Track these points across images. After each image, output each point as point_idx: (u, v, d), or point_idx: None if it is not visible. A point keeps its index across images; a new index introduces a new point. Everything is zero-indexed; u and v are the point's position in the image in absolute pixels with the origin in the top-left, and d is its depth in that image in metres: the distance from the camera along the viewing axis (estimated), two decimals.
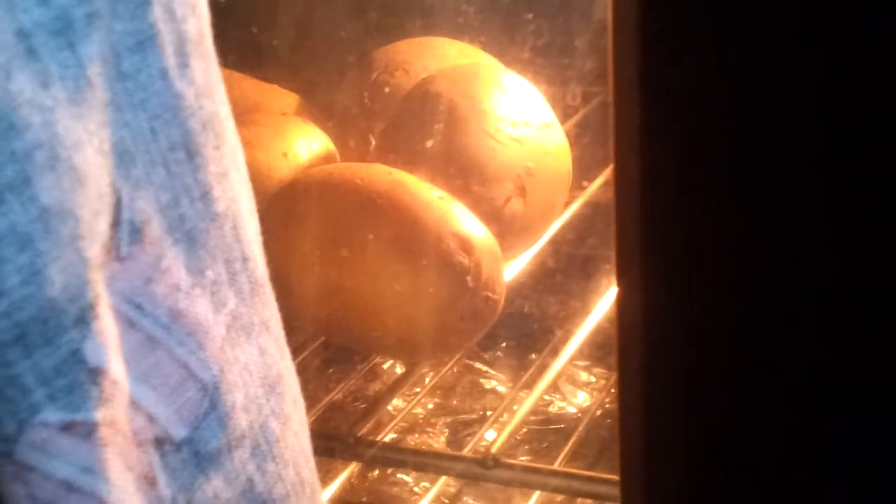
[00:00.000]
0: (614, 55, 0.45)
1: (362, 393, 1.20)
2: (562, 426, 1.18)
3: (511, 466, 0.86)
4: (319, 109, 1.09)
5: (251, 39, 1.09)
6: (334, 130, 1.06)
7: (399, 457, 0.97)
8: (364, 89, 1.06)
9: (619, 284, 0.47)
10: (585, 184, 1.15)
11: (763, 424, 0.47)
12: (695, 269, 0.46)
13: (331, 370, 1.17)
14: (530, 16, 1.13)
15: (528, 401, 0.94)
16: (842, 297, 0.45)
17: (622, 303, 0.47)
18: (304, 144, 1.02)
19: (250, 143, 0.97)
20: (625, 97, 0.45)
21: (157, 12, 0.50)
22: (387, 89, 1.05)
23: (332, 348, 1.08)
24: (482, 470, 0.86)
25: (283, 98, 1.08)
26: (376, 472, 1.12)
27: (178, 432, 0.53)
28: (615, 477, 0.83)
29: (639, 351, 0.47)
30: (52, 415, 0.48)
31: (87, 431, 0.49)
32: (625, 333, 0.47)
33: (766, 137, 0.44)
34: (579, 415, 1.18)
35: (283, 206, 0.94)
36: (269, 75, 1.09)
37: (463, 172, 0.97)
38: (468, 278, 0.89)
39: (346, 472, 1.02)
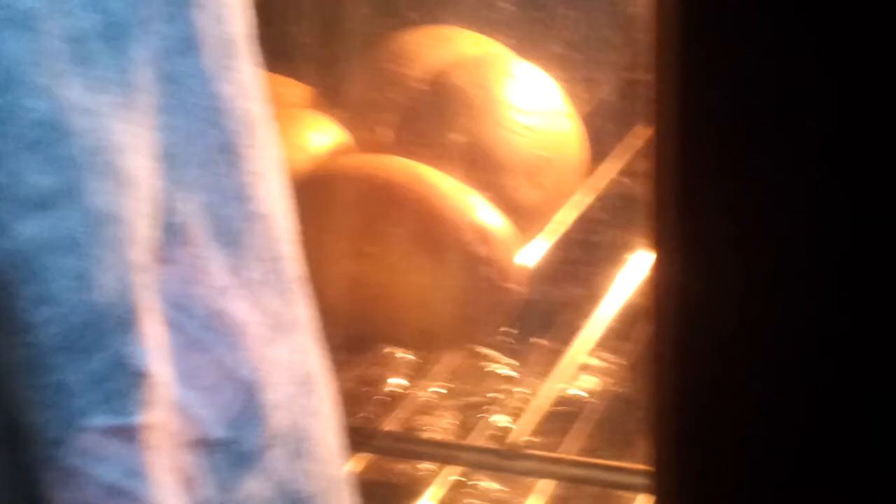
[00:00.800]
0: (657, 45, 0.45)
1: (367, 381, 1.20)
2: (567, 409, 1.18)
3: (530, 456, 0.86)
4: (334, 101, 1.08)
5: (282, 37, 1.08)
6: (349, 122, 1.05)
7: (417, 448, 0.97)
8: (376, 80, 1.06)
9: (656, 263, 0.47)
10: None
11: (776, 426, 0.47)
12: (714, 262, 0.47)
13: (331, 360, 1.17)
14: (562, 9, 1.13)
15: (545, 389, 0.94)
16: (862, 293, 0.45)
17: (659, 276, 0.47)
18: (319, 137, 1.01)
19: None
20: (666, 84, 0.45)
21: (203, 16, 0.50)
22: (398, 79, 1.05)
23: (334, 339, 1.07)
24: (499, 460, 0.86)
25: (295, 90, 1.07)
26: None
27: (217, 432, 0.53)
28: (636, 465, 0.84)
29: (675, 323, 0.47)
30: (97, 419, 0.48)
31: (131, 435, 0.49)
32: (660, 306, 0.47)
33: (783, 131, 0.44)
34: (586, 399, 1.18)
35: (301, 199, 0.94)
36: (300, 72, 1.08)
37: (477, 162, 0.97)
38: (488, 269, 0.89)
39: (363, 463, 1.02)
